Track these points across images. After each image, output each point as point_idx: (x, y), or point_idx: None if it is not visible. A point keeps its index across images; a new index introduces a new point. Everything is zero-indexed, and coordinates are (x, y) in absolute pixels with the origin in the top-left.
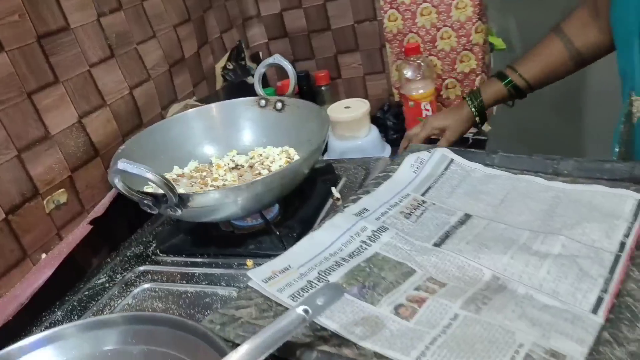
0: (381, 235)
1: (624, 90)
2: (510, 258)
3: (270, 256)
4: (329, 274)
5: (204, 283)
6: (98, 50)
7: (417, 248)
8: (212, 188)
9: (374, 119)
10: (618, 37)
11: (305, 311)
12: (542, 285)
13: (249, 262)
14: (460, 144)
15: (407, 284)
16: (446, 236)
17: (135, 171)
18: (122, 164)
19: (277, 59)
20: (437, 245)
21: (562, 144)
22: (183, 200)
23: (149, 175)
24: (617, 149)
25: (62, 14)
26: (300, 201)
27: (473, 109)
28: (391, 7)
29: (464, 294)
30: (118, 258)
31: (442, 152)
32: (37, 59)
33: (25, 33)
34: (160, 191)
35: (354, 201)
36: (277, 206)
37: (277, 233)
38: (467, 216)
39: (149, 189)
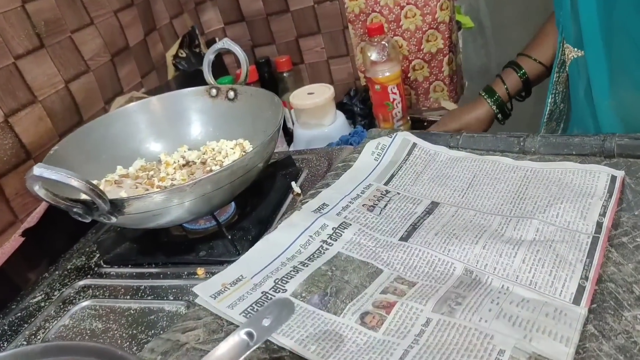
0: (343, 232)
1: (559, 41)
2: (482, 248)
3: (222, 263)
4: (287, 281)
5: (150, 297)
6: (24, 39)
7: (383, 244)
8: (158, 189)
9: (340, 105)
10: None
11: (249, 334)
12: (518, 276)
13: (200, 270)
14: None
15: (374, 286)
16: (413, 228)
17: (54, 177)
18: (38, 169)
19: (226, 43)
20: (403, 239)
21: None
22: (117, 206)
23: (72, 182)
24: (549, 99)
25: None
26: (258, 199)
27: (493, 106)
28: None
29: (435, 293)
30: (57, 272)
31: (403, 136)
32: None
33: None
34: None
35: (312, 196)
36: (233, 205)
37: (229, 237)
38: (434, 204)
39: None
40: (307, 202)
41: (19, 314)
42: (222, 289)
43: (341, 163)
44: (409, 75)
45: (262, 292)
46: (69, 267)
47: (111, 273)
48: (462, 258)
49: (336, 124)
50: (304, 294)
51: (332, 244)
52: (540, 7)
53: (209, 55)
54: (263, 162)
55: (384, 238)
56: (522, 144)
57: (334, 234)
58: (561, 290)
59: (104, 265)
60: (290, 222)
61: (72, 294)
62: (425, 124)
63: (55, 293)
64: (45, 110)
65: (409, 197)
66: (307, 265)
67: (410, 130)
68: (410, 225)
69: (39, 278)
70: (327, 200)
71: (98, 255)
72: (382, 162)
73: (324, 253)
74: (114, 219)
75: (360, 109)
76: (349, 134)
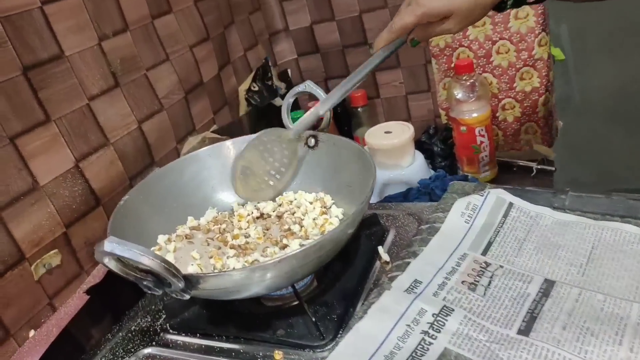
0: (446, 320)
1: None
2: (630, 351)
3: (303, 347)
4: None
5: None
6: (99, 79)
7: (498, 338)
8: (232, 250)
9: (418, 144)
10: None
11: None
12: None
13: (278, 355)
14: (523, 177)
15: None
16: (532, 317)
17: (127, 254)
18: (109, 245)
19: (308, 86)
20: (523, 332)
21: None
22: (191, 283)
23: (145, 260)
24: None
25: (55, 39)
26: (339, 265)
27: None
28: None
29: None
30: (120, 334)
31: (497, 195)
32: (23, 95)
33: (6, 64)
34: None
35: (400, 268)
36: None
37: (313, 319)
38: (549, 283)
39: None
40: (396, 277)
41: None
42: None
43: (425, 225)
44: (497, 114)
45: None
46: (133, 328)
47: (178, 342)
48: None
49: (415, 166)
50: None
51: (436, 337)
52: (627, 32)
53: (289, 99)
54: (353, 230)
55: (498, 330)
56: None
57: (435, 323)
58: None
59: (171, 331)
60: (381, 307)
61: None
62: (514, 169)
63: None
64: (117, 152)
65: (516, 273)
66: None
67: (497, 176)
68: (527, 312)
69: (102, 340)
70: (418, 275)
71: (164, 317)
72: (474, 225)
73: (427, 350)
74: (187, 296)
75: (440, 149)
76: (430, 178)
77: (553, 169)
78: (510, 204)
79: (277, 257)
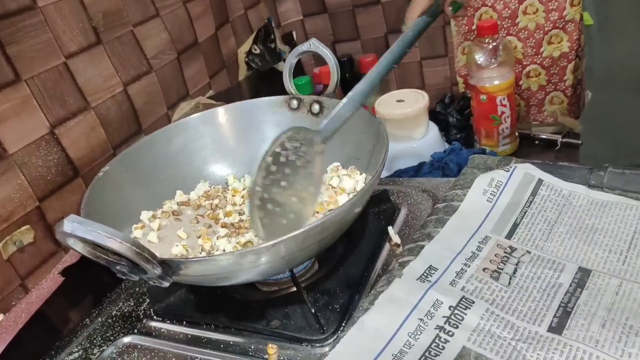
0: (465, 314)
1: None
2: None
3: (301, 341)
4: None
5: None
6: (78, 35)
7: (525, 336)
8: (223, 229)
9: (433, 114)
10: None
11: None
12: None
13: (271, 349)
14: (545, 151)
15: None
16: (565, 313)
17: (89, 237)
18: (69, 225)
19: (313, 45)
20: (554, 330)
21: None
22: (171, 268)
23: (112, 244)
24: None
25: None
26: (344, 247)
27: None
28: None
29: None
30: (99, 319)
31: (525, 170)
32: None
33: None
34: None
35: (412, 252)
36: None
37: (312, 310)
38: (584, 272)
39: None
40: (408, 262)
41: None
42: None
43: (442, 204)
44: (520, 83)
45: None
46: (114, 313)
47: (162, 330)
48: None
49: (428, 138)
50: None
51: (453, 334)
52: None
53: (292, 59)
54: (362, 208)
55: (526, 326)
56: None
57: (452, 317)
58: None
59: (155, 318)
60: (390, 297)
61: (114, 355)
62: (536, 142)
63: (95, 351)
64: (99, 118)
65: (546, 259)
66: None
67: (517, 149)
68: (560, 306)
69: (79, 326)
70: (433, 261)
71: (148, 300)
72: (497, 205)
73: (444, 349)
74: (165, 283)
75: (456, 119)
76: (444, 152)
77: (579, 142)
78: (540, 181)
79: (270, 241)
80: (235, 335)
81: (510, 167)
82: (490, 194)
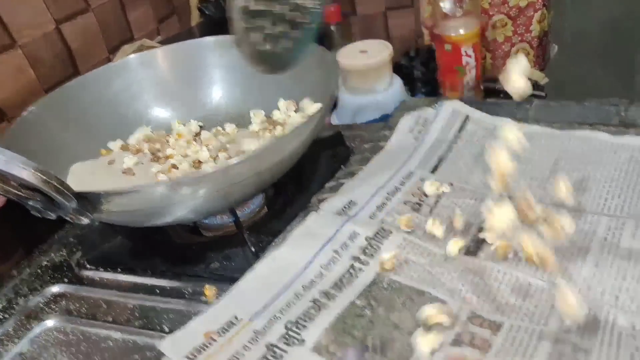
0: (381, 244)
1: None
2: (595, 266)
3: None
4: (304, 326)
5: (137, 324)
6: None
7: (440, 260)
8: (160, 169)
9: (397, 68)
10: None
11: None
12: None
13: (209, 290)
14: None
15: (438, 335)
16: (482, 239)
17: None
18: None
19: None
20: (471, 252)
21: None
22: (90, 203)
23: (16, 171)
24: None
25: None
26: (294, 189)
27: None
28: None
29: (538, 346)
30: (28, 270)
31: (452, 107)
32: None
33: None
34: None
35: (333, 190)
36: (261, 196)
37: (253, 249)
38: (505, 199)
39: None
40: (327, 199)
41: None
42: (206, 342)
43: (368, 144)
44: (486, 34)
45: (267, 346)
46: (44, 263)
47: (94, 279)
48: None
49: (391, 91)
50: (331, 348)
51: (368, 263)
52: None
53: None
54: (308, 144)
55: (442, 251)
56: (623, 113)
57: (368, 248)
58: None
59: (88, 266)
60: (305, 231)
61: (40, 305)
62: (501, 95)
63: (20, 301)
64: (27, 58)
65: (468, 190)
66: (333, 298)
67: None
68: (478, 230)
69: (4, 276)
70: (354, 196)
71: (82, 250)
72: (424, 142)
73: (356, 277)
74: (85, 220)
75: (421, 72)
76: None
77: (544, 94)
78: (467, 117)
79: (200, 173)
80: (172, 279)
81: (439, 104)
82: (417, 131)
